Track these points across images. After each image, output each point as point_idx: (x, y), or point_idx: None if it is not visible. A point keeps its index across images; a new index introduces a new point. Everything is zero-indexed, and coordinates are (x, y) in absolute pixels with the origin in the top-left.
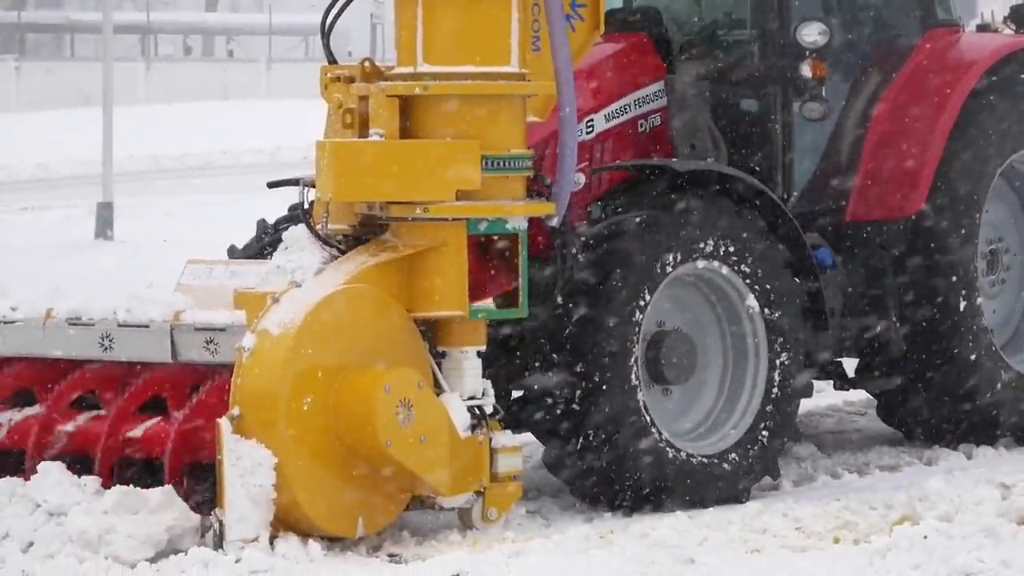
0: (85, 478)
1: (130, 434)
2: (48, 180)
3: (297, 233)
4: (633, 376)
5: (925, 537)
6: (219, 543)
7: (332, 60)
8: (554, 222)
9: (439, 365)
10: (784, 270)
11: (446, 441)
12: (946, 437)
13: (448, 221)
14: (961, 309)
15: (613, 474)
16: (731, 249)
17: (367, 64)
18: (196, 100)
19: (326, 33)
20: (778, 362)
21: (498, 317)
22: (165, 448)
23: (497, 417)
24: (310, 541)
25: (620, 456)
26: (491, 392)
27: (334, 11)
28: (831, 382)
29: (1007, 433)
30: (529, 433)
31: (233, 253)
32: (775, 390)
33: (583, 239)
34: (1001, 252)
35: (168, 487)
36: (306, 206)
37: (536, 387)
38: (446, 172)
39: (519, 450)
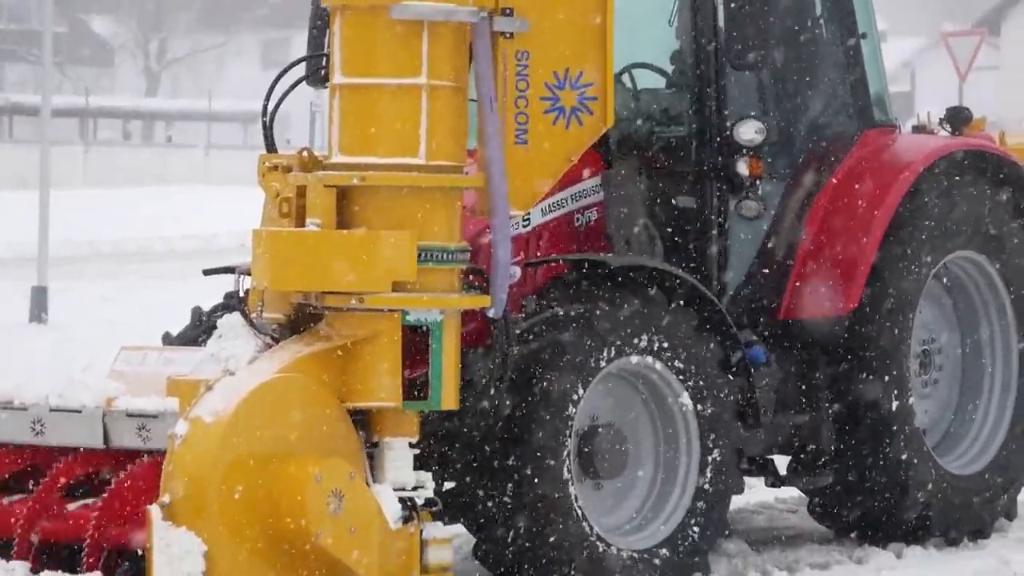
0: (14, 563)
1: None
2: None
3: (232, 321)
4: (565, 470)
5: None
6: None
7: (272, 148)
8: (492, 313)
9: (371, 455)
10: (717, 367)
11: (376, 532)
12: (877, 536)
13: (383, 312)
14: (893, 409)
15: (543, 567)
16: (665, 345)
17: (305, 153)
18: (134, 185)
19: (269, 121)
20: (710, 458)
21: (423, 408)
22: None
23: (433, 508)
24: None
25: (550, 549)
26: (431, 483)
27: (273, 100)
28: (763, 479)
29: (937, 534)
30: (460, 524)
31: (167, 340)
32: (707, 486)
33: (518, 333)
34: (934, 353)
35: (97, 573)
36: (241, 294)
37: (468, 479)
38: (382, 263)
39: (449, 542)
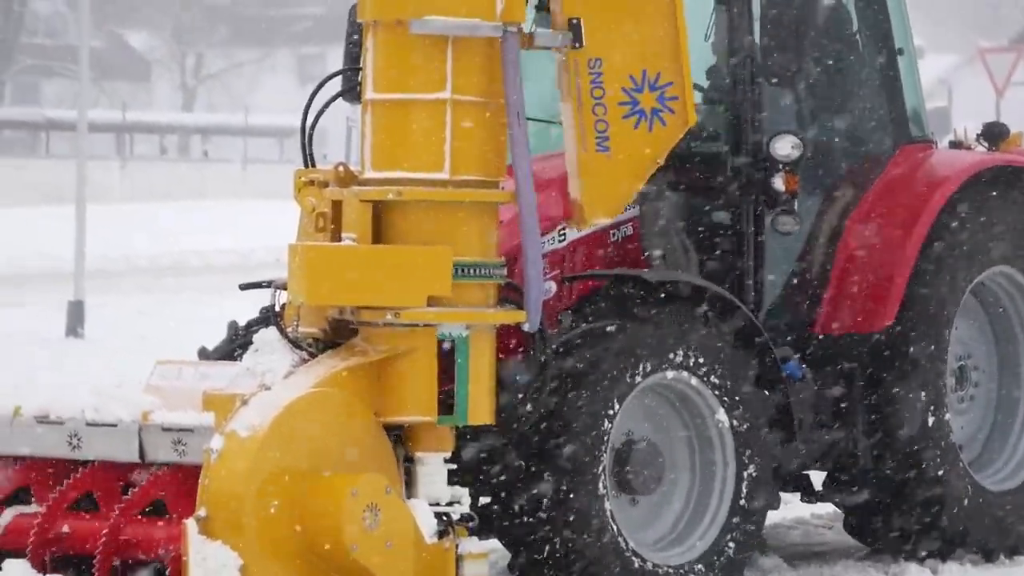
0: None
1: (62, 530)
2: (20, 276)
3: (268, 336)
4: (600, 485)
5: None
6: None
7: (311, 163)
8: (527, 328)
9: (407, 470)
10: (753, 382)
11: (412, 547)
12: (913, 552)
13: (418, 327)
14: (929, 425)
15: None
16: (701, 360)
17: (341, 168)
18: (171, 199)
19: (308, 136)
20: (746, 474)
21: (456, 423)
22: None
23: (470, 524)
24: None
25: (586, 565)
26: (466, 498)
27: (311, 115)
28: (798, 494)
29: (974, 550)
30: (496, 540)
31: (203, 354)
32: (742, 502)
33: (553, 348)
34: (970, 369)
35: None
36: (277, 309)
37: (503, 494)
38: (417, 278)
39: (486, 556)
